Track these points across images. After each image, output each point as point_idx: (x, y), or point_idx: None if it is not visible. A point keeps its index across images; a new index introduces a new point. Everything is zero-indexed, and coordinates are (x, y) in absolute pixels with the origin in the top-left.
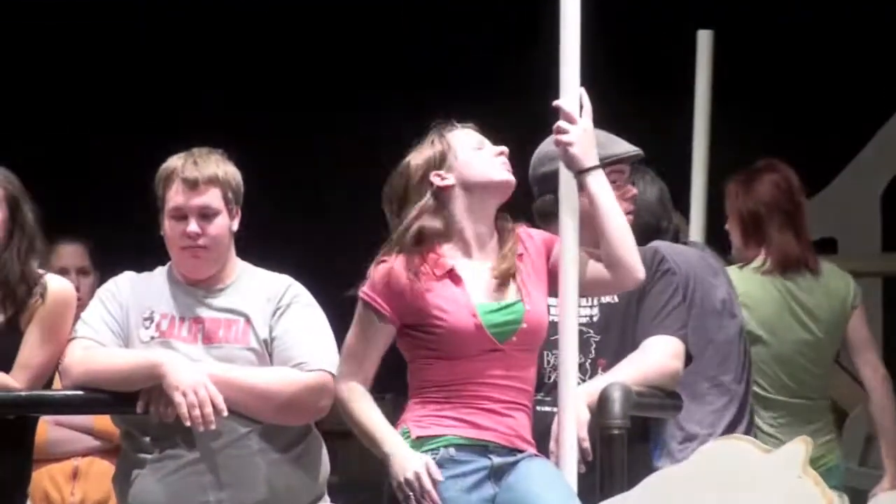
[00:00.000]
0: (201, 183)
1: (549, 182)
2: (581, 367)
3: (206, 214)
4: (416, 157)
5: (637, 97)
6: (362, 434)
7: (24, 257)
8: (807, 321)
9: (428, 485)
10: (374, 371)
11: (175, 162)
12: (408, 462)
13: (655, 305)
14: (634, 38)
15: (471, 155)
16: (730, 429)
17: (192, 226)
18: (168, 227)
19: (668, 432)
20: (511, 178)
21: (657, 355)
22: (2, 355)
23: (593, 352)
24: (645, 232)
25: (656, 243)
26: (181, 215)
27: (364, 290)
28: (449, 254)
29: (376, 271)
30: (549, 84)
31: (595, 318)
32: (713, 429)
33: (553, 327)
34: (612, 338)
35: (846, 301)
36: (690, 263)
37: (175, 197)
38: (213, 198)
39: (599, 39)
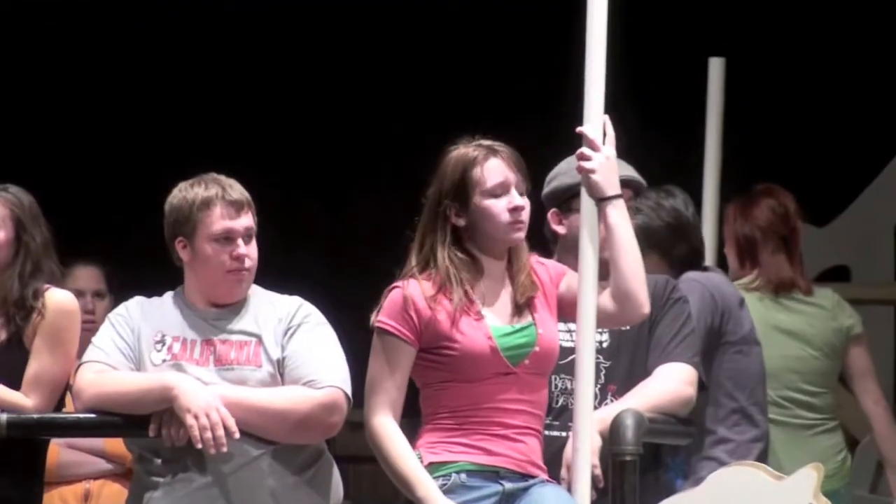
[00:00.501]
0: (245, 205)
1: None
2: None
3: (248, 236)
4: (440, 184)
5: (648, 123)
6: (394, 475)
7: (26, 279)
8: (794, 340)
9: None
10: (402, 399)
11: (206, 188)
12: None
13: (668, 333)
14: (645, 66)
15: (487, 204)
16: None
17: (242, 248)
18: (211, 251)
19: (695, 461)
20: (519, 238)
21: (670, 382)
22: (4, 374)
23: (603, 377)
24: (650, 260)
25: (689, 274)
26: (228, 238)
27: (380, 319)
28: (490, 269)
29: (390, 297)
30: (575, 110)
31: (605, 344)
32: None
33: (562, 352)
34: (622, 364)
35: (843, 327)
36: (722, 293)
37: (220, 220)
38: (251, 219)
39: (610, 66)
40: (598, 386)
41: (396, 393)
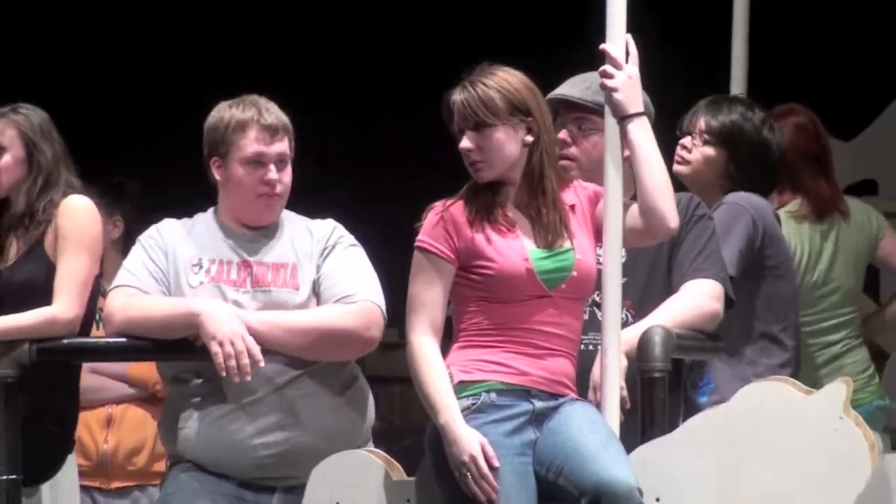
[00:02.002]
0: (280, 130)
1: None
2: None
3: (281, 161)
4: (519, 88)
5: (671, 42)
6: (423, 396)
7: (34, 194)
8: (837, 264)
9: (485, 468)
10: (443, 318)
11: (243, 110)
12: (464, 443)
13: (693, 249)
14: None
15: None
16: None
17: (273, 173)
18: (242, 173)
19: (721, 376)
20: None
21: (697, 297)
22: (28, 283)
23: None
24: (719, 157)
25: (731, 196)
26: (260, 162)
27: (420, 239)
28: (517, 196)
29: (430, 217)
30: (599, 31)
31: (623, 260)
32: None
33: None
34: (638, 280)
35: (871, 235)
36: (764, 216)
37: (254, 144)
38: (286, 145)
39: None
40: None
41: (437, 312)
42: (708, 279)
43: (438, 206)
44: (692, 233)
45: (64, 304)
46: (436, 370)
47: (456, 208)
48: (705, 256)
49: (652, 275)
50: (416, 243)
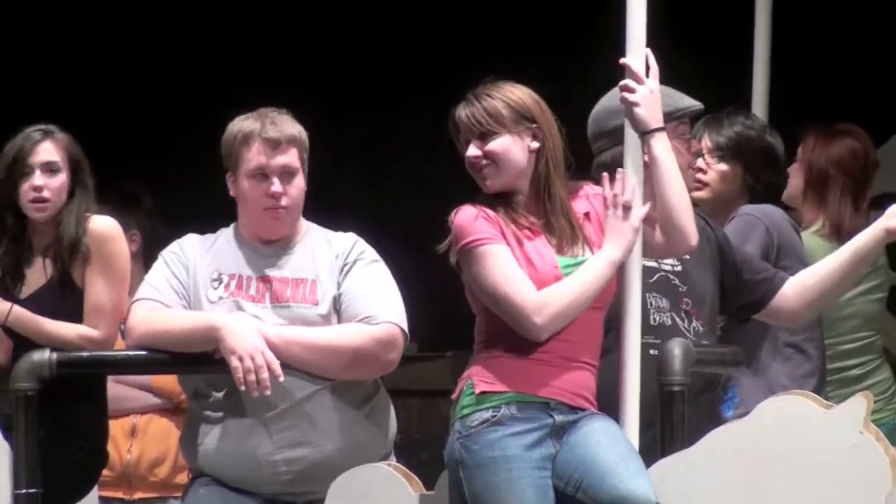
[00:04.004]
0: (283, 142)
1: (619, 136)
2: (678, 311)
3: (286, 174)
4: (526, 102)
5: (695, 57)
6: (583, 302)
7: (82, 218)
8: (859, 286)
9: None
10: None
11: (250, 123)
12: None
13: (748, 262)
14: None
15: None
16: None
17: (276, 185)
18: (248, 187)
19: (746, 389)
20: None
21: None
22: (57, 310)
23: (685, 303)
24: (734, 171)
25: (746, 207)
26: (263, 175)
27: (471, 239)
28: (526, 205)
29: (464, 216)
30: (618, 44)
31: (677, 268)
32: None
33: (647, 271)
34: (694, 287)
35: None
36: (779, 227)
37: (257, 157)
38: (292, 157)
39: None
40: (683, 305)
41: (529, 281)
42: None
43: (467, 206)
44: (730, 250)
45: (101, 330)
46: (571, 283)
47: (487, 210)
48: (761, 273)
49: (703, 281)
50: (469, 245)
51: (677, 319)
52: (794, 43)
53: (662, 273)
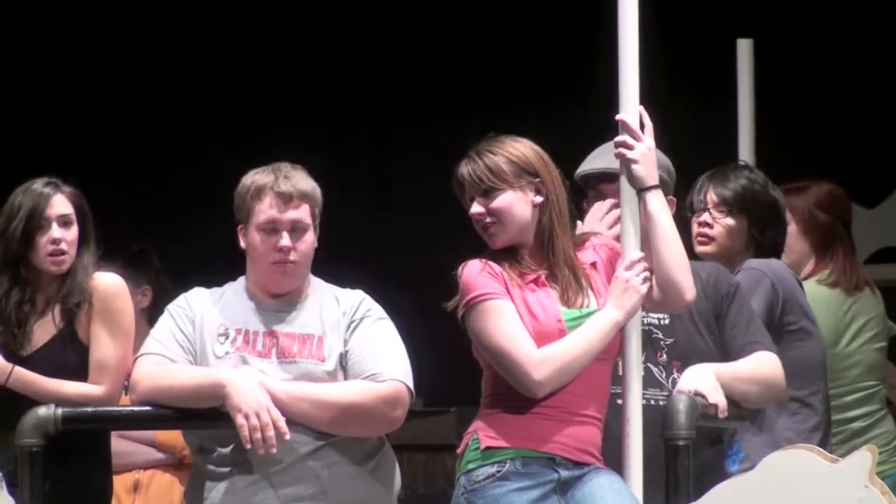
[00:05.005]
0: (295, 197)
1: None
2: (658, 364)
3: (297, 229)
4: (531, 158)
5: (680, 108)
6: (583, 361)
7: (90, 271)
8: (867, 335)
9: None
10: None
11: (263, 177)
12: None
13: (741, 321)
14: (674, 49)
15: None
16: None
17: (285, 240)
18: (258, 240)
19: (751, 444)
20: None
21: (774, 371)
22: (60, 368)
23: (665, 355)
24: (739, 224)
25: (752, 262)
26: (273, 229)
27: (475, 295)
28: (531, 261)
29: (471, 271)
30: (609, 98)
31: (664, 321)
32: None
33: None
34: (679, 341)
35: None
36: (784, 282)
37: (268, 210)
38: (304, 213)
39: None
40: (663, 359)
41: (530, 341)
42: (769, 352)
43: (474, 261)
44: (735, 303)
45: (104, 387)
46: (569, 344)
47: (492, 265)
48: (755, 328)
49: (688, 337)
50: (473, 300)
51: (654, 371)
52: (778, 98)
53: (644, 327)
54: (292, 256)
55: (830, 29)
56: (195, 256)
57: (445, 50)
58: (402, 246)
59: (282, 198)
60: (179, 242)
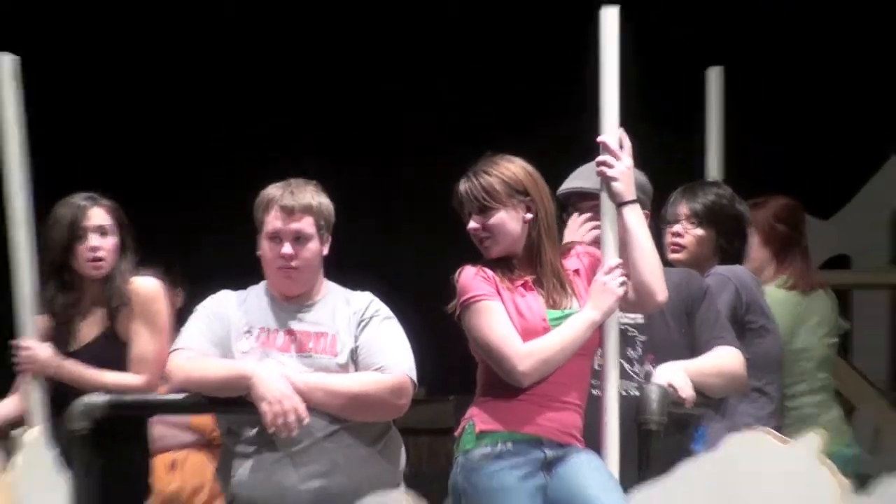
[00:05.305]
0: (297, 210)
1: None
2: (632, 360)
3: (299, 238)
4: (521, 177)
5: (649, 134)
6: (564, 355)
7: (128, 278)
8: (820, 332)
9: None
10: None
11: (274, 191)
12: None
13: (709, 318)
14: (644, 76)
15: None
16: None
17: (287, 248)
18: (266, 248)
19: (714, 427)
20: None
21: (735, 364)
22: (103, 363)
23: (640, 349)
24: (708, 235)
25: (719, 269)
26: (277, 238)
27: (470, 296)
28: (521, 268)
29: (465, 276)
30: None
31: (639, 320)
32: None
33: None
34: (653, 337)
35: (837, 313)
36: (746, 286)
37: (273, 221)
38: (306, 224)
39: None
40: (637, 355)
41: (516, 333)
42: (732, 347)
43: (469, 267)
44: (704, 303)
45: (143, 377)
46: (548, 341)
47: (486, 270)
48: (721, 325)
49: (665, 334)
50: (468, 301)
51: (625, 365)
52: (747, 120)
53: (620, 326)
54: (294, 263)
55: (790, 59)
56: (214, 265)
57: (440, 76)
58: (405, 256)
59: (285, 211)
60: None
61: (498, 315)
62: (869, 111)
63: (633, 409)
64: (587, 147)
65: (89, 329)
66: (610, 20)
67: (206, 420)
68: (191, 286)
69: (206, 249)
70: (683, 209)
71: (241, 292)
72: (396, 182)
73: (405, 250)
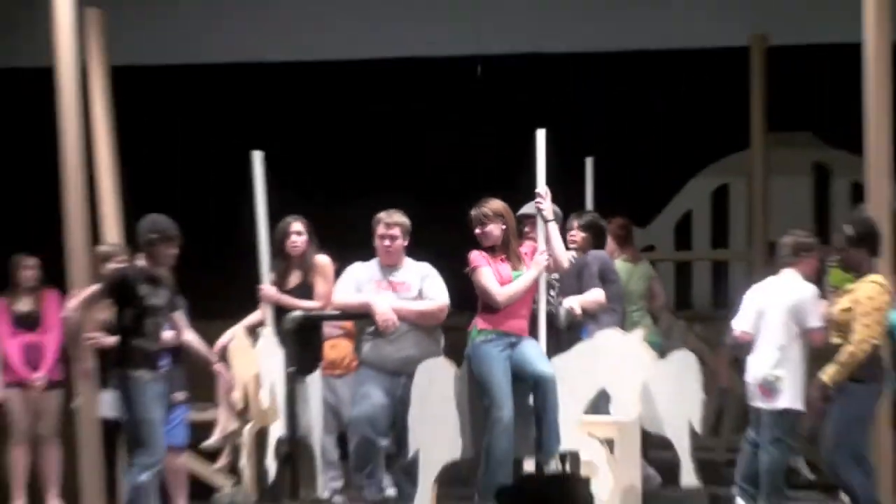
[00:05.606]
0: (391, 224)
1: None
2: (552, 296)
3: (393, 237)
4: (501, 209)
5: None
6: (517, 293)
7: (310, 256)
8: (639, 281)
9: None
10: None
11: (381, 214)
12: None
13: (591, 275)
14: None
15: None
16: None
17: (387, 241)
18: (378, 241)
19: (591, 328)
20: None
21: (601, 299)
22: (300, 297)
23: (556, 290)
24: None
25: (594, 252)
26: (381, 236)
27: (476, 263)
28: (500, 251)
29: (474, 255)
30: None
31: (556, 277)
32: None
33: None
34: (563, 285)
35: (648, 271)
36: (605, 260)
37: (380, 228)
38: (395, 231)
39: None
40: (555, 293)
41: (497, 283)
42: (598, 289)
43: (476, 252)
44: (586, 269)
45: (320, 304)
46: (512, 287)
47: (483, 253)
48: (594, 279)
49: (571, 284)
50: (474, 267)
51: (549, 298)
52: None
53: (548, 278)
54: (389, 248)
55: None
56: (355, 251)
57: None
58: (443, 247)
59: (385, 224)
60: (349, 244)
61: (488, 274)
62: (674, 149)
63: (553, 319)
64: (530, 196)
65: (294, 280)
66: (540, 140)
67: (348, 324)
68: (342, 262)
69: (352, 245)
70: (574, 223)
71: (368, 262)
72: (441, 211)
73: (443, 244)
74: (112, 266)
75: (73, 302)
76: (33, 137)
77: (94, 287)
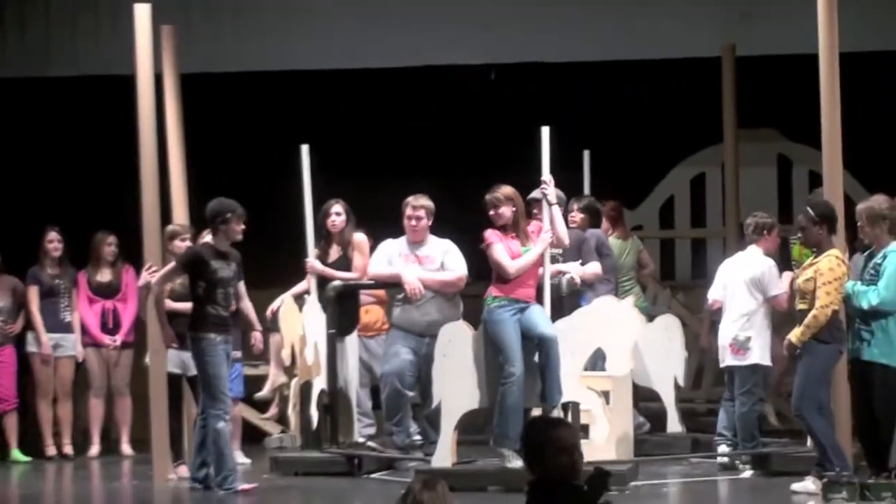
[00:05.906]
0: (417, 206)
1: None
2: (558, 269)
3: (419, 218)
4: (512, 193)
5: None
6: (525, 267)
7: (348, 232)
8: (629, 255)
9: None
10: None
11: (410, 199)
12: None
13: (590, 250)
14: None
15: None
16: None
17: (413, 221)
18: (406, 220)
19: (590, 295)
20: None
21: (598, 270)
22: (339, 269)
23: (560, 262)
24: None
25: (591, 230)
26: (408, 217)
27: (488, 242)
28: (511, 230)
29: (489, 233)
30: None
31: (559, 251)
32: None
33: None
34: (565, 258)
35: (638, 246)
36: (600, 236)
37: (408, 210)
38: (421, 212)
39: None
40: (558, 266)
41: (509, 257)
42: (596, 262)
43: (490, 230)
44: (585, 245)
45: (357, 275)
46: (520, 260)
47: (496, 231)
48: (591, 254)
49: (572, 257)
50: (489, 244)
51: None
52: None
53: (552, 253)
54: (416, 227)
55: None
56: (387, 228)
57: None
58: (464, 226)
59: (413, 206)
60: (382, 222)
61: (501, 250)
62: (658, 143)
63: (556, 288)
64: (536, 183)
65: (334, 254)
66: (545, 136)
67: (380, 292)
68: (375, 239)
69: (384, 224)
70: (574, 206)
71: (398, 239)
72: (460, 195)
73: (462, 223)
74: (178, 243)
75: (157, 276)
76: (116, 134)
77: (172, 263)
